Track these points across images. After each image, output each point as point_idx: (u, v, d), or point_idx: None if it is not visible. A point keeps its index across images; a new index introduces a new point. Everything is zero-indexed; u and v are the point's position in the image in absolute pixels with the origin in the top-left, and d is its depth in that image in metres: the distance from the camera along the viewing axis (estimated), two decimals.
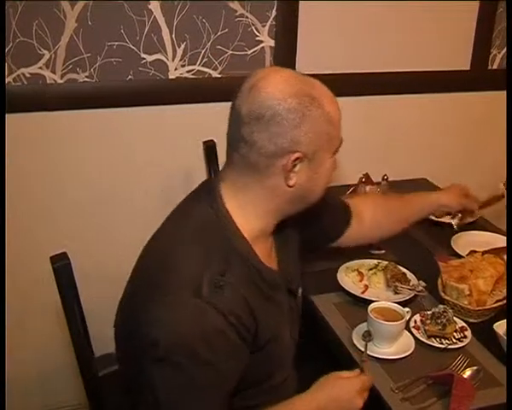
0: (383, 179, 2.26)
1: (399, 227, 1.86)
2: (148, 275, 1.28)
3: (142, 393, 1.24)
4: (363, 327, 1.60)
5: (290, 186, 1.29)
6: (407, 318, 1.59)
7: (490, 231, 2.11)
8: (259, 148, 1.25)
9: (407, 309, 1.61)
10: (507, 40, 2.54)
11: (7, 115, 1.93)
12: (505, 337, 1.54)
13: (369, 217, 1.79)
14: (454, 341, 1.59)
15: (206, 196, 1.35)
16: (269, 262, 1.38)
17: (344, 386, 1.38)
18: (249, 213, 1.32)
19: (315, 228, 1.63)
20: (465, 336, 1.61)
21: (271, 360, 1.37)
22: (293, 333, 1.50)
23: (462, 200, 2.00)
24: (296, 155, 1.25)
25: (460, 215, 2.04)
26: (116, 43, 2.07)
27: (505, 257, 1.83)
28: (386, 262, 1.86)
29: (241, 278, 1.26)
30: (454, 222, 2.03)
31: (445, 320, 1.59)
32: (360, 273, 1.84)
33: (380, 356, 1.53)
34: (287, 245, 1.50)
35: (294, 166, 1.27)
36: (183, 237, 1.29)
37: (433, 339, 1.59)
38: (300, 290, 1.56)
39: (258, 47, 2.24)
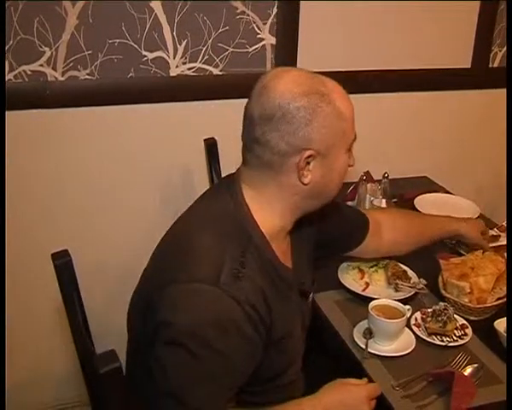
0: (384, 177, 2.26)
1: (415, 246, 1.84)
2: (169, 258, 1.31)
3: (146, 382, 1.25)
4: (363, 325, 1.60)
5: (305, 184, 1.30)
6: (408, 315, 1.59)
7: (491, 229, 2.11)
8: (272, 147, 1.26)
9: (408, 307, 1.61)
10: (507, 39, 2.54)
11: (7, 113, 1.94)
12: (506, 335, 1.54)
13: (388, 234, 1.78)
14: (455, 338, 1.59)
15: (226, 190, 1.36)
16: (285, 261, 1.39)
17: (352, 392, 1.39)
18: (268, 210, 1.33)
19: (332, 234, 1.63)
20: (466, 334, 1.61)
21: (284, 356, 1.37)
22: (303, 335, 1.51)
23: (479, 236, 1.96)
24: (308, 152, 1.26)
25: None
26: (117, 40, 2.07)
27: (505, 254, 1.83)
28: (387, 260, 1.86)
29: (258, 272, 1.28)
30: (463, 251, 1.99)
31: (445, 318, 1.59)
32: (361, 271, 1.84)
33: (380, 354, 1.53)
34: (303, 247, 1.51)
35: (308, 163, 1.28)
36: (204, 225, 1.31)
37: (434, 337, 1.59)
38: (312, 296, 1.57)
39: (260, 45, 2.24)
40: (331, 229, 1.62)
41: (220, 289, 1.20)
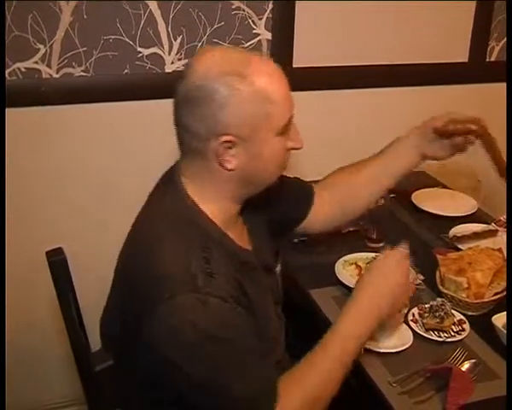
0: None
1: (372, 196, 1.72)
2: (137, 284, 1.25)
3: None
4: None
5: (230, 170, 1.26)
6: (405, 311, 1.58)
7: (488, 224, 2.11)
8: (193, 132, 1.24)
9: None
10: (507, 34, 2.53)
11: None
12: (504, 330, 1.53)
13: (328, 195, 1.71)
14: (452, 334, 1.59)
15: (169, 188, 1.34)
16: (244, 244, 1.38)
17: (380, 276, 1.35)
18: (210, 199, 1.31)
19: (279, 209, 1.59)
20: (463, 329, 1.60)
21: (264, 340, 1.34)
22: (278, 312, 1.50)
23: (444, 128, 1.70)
24: (226, 137, 1.22)
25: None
26: (112, 37, 2.06)
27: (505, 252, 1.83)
28: None
29: (224, 262, 1.26)
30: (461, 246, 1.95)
31: (443, 313, 1.59)
32: (358, 267, 1.83)
33: (378, 349, 1.53)
34: (259, 224, 1.49)
35: (229, 148, 1.24)
36: (160, 237, 1.26)
37: (431, 332, 1.59)
38: (279, 267, 1.56)
39: (255, 40, 2.23)
40: (278, 204, 1.57)
41: (202, 294, 1.17)
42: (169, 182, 1.36)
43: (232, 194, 1.32)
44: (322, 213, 1.70)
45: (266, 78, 1.24)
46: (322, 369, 1.27)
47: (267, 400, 1.21)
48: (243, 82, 1.21)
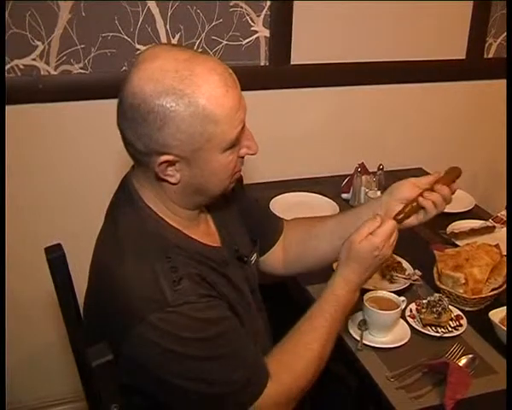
0: (379, 169, 2.26)
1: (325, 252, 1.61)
2: (107, 310, 1.23)
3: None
4: (358, 316, 1.60)
5: (174, 183, 1.23)
6: (402, 307, 1.59)
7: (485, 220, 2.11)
8: (132, 145, 1.20)
9: (402, 298, 1.60)
10: (507, 31, 2.53)
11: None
12: (501, 326, 1.54)
13: (290, 235, 1.66)
14: (449, 329, 1.59)
15: (126, 199, 1.31)
16: (211, 241, 1.37)
17: (364, 251, 1.35)
18: (165, 205, 1.28)
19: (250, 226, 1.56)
20: (461, 325, 1.61)
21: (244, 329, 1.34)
22: (257, 303, 1.50)
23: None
24: (164, 157, 1.17)
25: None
26: (110, 34, 2.06)
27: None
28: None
29: (188, 264, 1.25)
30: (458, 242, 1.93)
31: (440, 309, 1.59)
32: None
33: (375, 345, 1.53)
34: (226, 218, 1.47)
35: (168, 166, 1.19)
36: (120, 255, 1.23)
37: (429, 328, 1.59)
38: (255, 256, 1.53)
39: (253, 37, 2.23)
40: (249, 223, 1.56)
41: (174, 307, 1.16)
42: (124, 191, 1.32)
43: (183, 202, 1.29)
44: (281, 256, 1.67)
45: (209, 95, 1.15)
46: (307, 347, 1.32)
47: (259, 381, 1.25)
48: (182, 102, 1.13)
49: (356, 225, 1.38)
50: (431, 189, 1.48)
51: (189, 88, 1.14)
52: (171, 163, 1.19)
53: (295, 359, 1.32)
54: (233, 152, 1.24)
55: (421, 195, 1.48)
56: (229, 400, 1.23)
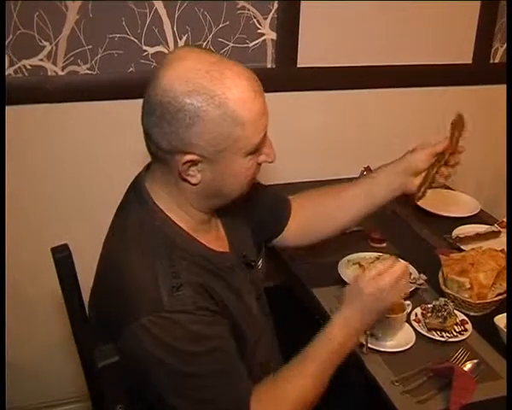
0: None
1: (342, 221, 1.67)
2: (110, 307, 1.24)
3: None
4: None
5: (194, 184, 1.23)
6: (408, 311, 1.59)
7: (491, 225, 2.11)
8: (156, 142, 1.20)
9: (408, 302, 1.61)
10: (507, 35, 2.53)
11: (7, 107, 1.94)
12: (505, 330, 1.54)
13: (300, 211, 1.68)
14: (454, 334, 1.59)
15: (136, 197, 1.31)
16: (218, 246, 1.36)
17: (372, 294, 1.32)
18: (178, 207, 1.28)
19: (257, 217, 1.58)
20: (466, 330, 1.61)
21: (242, 341, 1.34)
22: (263, 307, 1.50)
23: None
24: (188, 157, 1.18)
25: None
26: (117, 35, 2.07)
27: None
28: (387, 255, 1.86)
29: (192, 271, 1.24)
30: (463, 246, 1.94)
31: (445, 313, 1.59)
32: (361, 266, 1.83)
33: (380, 349, 1.53)
34: (236, 222, 1.47)
35: (192, 165, 1.20)
36: (125, 252, 1.24)
37: (434, 332, 1.59)
38: (261, 261, 1.54)
39: (260, 40, 2.23)
40: (255, 214, 1.56)
41: (168, 313, 1.17)
42: (135, 190, 1.33)
43: (199, 204, 1.30)
44: (299, 229, 1.68)
45: (238, 97, 1.17)
46: (297, 385, 1.29)
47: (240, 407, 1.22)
48: (212, 102, 1.15)
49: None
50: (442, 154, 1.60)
51: (220, 89, 1.15)
52: (194, 163, 1.20)
53: (283, 396, 1.29)
54: (254, 157, 1.25)
55: (435, 164, 1.58)
56: None
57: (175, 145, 1.18)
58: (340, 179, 2.38)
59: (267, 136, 1.28)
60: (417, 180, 1.58)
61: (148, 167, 1.35)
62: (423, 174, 1.60)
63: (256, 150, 1.25)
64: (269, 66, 2.27)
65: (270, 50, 2.25)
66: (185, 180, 1.23)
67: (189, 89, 1.14)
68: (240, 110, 1.17)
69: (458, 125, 1.64)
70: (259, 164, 1.30)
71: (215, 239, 1.38)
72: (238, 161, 1.22)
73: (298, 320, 1.54)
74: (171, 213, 1.28)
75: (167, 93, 1.15)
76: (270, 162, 1.30)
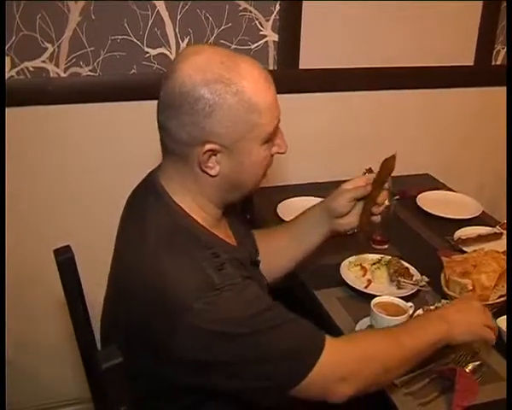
0: None
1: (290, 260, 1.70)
2: (146, 302, 1.21)
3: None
4: (366, 321, 1.59)
5: (213, 176, 1.25)
6: (410, 312, 1.58)
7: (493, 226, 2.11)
8: (174, 135, 1.22)
9: (410, 304, 1.61)
10: (507, 38, 2.53)
11: (9, 109, 1.94)
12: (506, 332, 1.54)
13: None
14: None
15: (151, 194, 1.32)
16: (232, 242, 1.40)
17: (472, 308, 1.45)
18: (194, 203, 1.30)
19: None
20: None
21: None
22: None
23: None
24: (209, 146, 1.21)
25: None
26: (120, 37, 2.07)
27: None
28: (390, 257, 1.86)
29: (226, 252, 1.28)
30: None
31: None
32: (363, 268, 1.84)
33: None
34: (237, 222, 1.50)
35: (211, 156, 1.23)
36: (157, 255, 1.23)
37: None
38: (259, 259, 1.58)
39: (262, 41, 2.23)
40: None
41: (219, 290, 1.17)
42: (151, 190, 1.33)
43: (216, 198, 1.32)
44: None
45: (253, 85, 1.21)
46: (374, 338, 1.37)
47: (315, 347, 1.25)
48: (229, 90, 1.18)
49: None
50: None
51: (236, 78, 1.19)
52: (213, 153, 1.22)
53: (364, 342, 1.36)
54: (268, 147, 1.29)
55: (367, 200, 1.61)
56: (284, 369, 1.23)
57: (195, 136, 1.21)
58: (341, 181, 2.39)
59: (279, 127, 1.32)
60: (346, 219, 1.62)
61: (159, 167, 1.36)
62: (361, 208, 1.62)
63: (270, 139, 1.28)
64: (271, 68, 2.27)
65: (272, 52, 2.26)
66: (204, 172, 1.25)
67: (207, 78, 1.18)
68: (256, 98, 1.21)
69: (388, 165, 1.64)
70: (272, 156, 1.33)
71: (227, 237, 1.40)
72: (254, 150, 1.26)
73: None
74: (189, 211, 1.29)
75: (185, 84, 1.18)
76: (282, 153, 1.34)
